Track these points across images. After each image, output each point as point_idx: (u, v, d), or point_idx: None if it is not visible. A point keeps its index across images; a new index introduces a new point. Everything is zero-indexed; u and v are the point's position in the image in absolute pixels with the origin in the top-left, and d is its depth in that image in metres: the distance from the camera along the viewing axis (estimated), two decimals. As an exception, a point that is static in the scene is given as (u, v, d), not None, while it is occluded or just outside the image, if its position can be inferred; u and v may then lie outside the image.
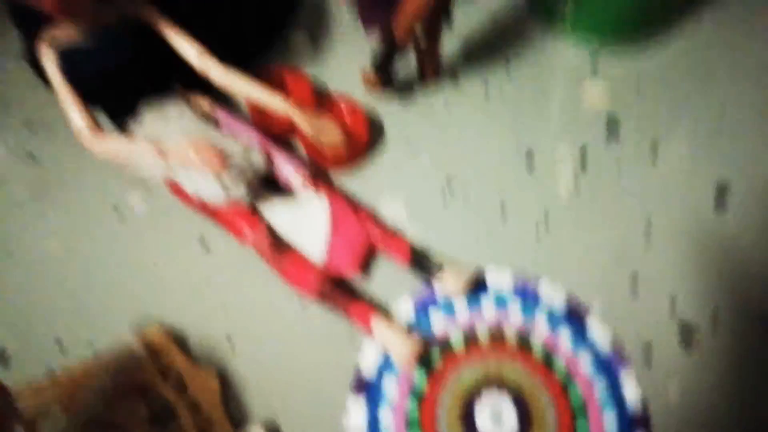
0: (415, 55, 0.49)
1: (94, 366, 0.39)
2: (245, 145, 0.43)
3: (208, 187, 0.41)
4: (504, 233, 0.44)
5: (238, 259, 0.45)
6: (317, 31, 0.56)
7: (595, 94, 0.50)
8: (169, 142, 0.41)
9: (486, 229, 0.44)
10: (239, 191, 0.42)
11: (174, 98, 0.46)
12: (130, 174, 0.48)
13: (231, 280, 0.44)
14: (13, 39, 0.56)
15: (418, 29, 0.46)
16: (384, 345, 0.40)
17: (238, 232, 0.42)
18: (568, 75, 0.51)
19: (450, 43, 0.52)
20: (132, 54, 0.40)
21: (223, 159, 0.40)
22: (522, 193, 0.45)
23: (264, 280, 0.44)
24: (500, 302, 0.42)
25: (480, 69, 0.52)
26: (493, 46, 0.53)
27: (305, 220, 0.44)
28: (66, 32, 0.40)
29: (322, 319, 0.42)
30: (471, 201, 0.45)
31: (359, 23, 0.54)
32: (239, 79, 0.44)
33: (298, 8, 0.58)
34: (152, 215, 0.47)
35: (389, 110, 0.50)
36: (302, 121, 0.45)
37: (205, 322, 0.43)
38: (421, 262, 0.43)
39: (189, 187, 0.42)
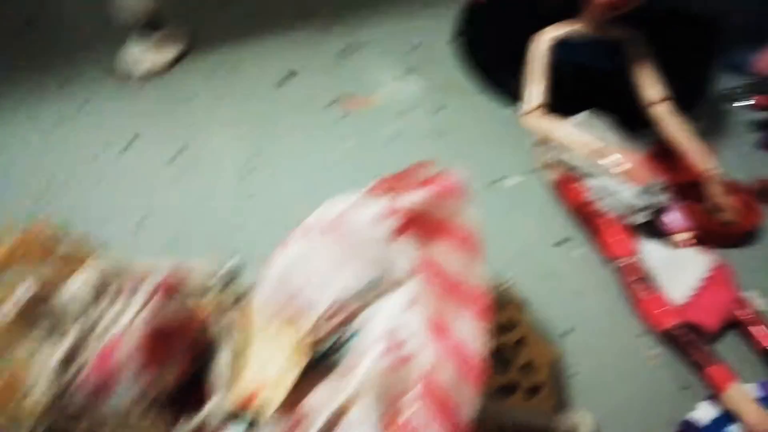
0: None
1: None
2: (659, 179, 0.44)
3: (621, 197, 0.43)
4: None
5: (594, 267, 0.46)
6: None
7: None
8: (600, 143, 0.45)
9: None
10: (643, 216, 0.43)
11: (613, 119, 0.48)
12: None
13: (579, 291, 0.45)
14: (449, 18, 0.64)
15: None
16: (737, 413, 0.38)
17: (610, 244, 0.44)
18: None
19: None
20: (619, 66, 0.46)
21: (652, 181, 0.43)
22: None
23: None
24: None
25: None
26: None
27: (680, 263, 0.43)
28: (569, 30, 0.46)
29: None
30: None
31: (762, 140, 0.56)
32: (681, 126, 0.47)
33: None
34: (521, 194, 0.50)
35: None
36: (710, 186, 0.47)
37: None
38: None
39: (597, 191, 0.44)
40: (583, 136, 0.45)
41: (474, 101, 0.59)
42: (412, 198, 0.29)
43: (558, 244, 0.48)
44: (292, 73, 0.60)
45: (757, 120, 0.59)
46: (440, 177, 0.30)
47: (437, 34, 0.65)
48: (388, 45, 0.64)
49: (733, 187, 0.49)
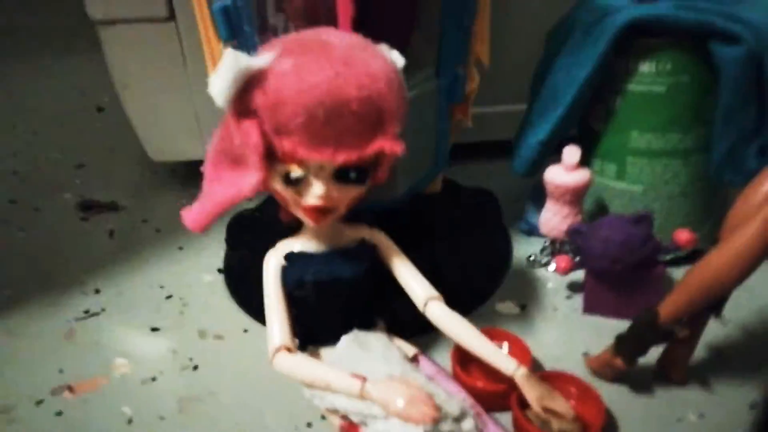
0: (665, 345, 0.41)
1: None
2: (461, 404, 0.34)
3: None
4: None
5: None
6: (525, 301, 0.51)
7: None
8: (370, 376, 0.34)
9: None
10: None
11: (374, 332, 0.40)
12: (294, 409, 0.40)
13: None
14: (210, 256, 0.56)
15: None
16: None
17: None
18: None
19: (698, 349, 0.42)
20: (365, 269, 0.37)
21: (438, 415, 0.31)
22: None
23: None
24: None
25: (743, 387, 0.41)
26: (755, 363, 0.43)
27: None
28: (302, 242, 0.38)
29: None
30: None
31: (584, 303, 0.48)
32: (465, 325, 0.37)
33: (504, 276, 0.53)
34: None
35: (619, 400, 0.40)
36: (531, 389, 0.36)
37: None
38: None
39: None
40: (340, 376, 0.33)
41: (238, 345, 0.47)
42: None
43: None
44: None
45: (569, 283, 0.52)
46: None
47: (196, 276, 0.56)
48: (132, 301, 0.53)
49: (560, 380, 0.39)
